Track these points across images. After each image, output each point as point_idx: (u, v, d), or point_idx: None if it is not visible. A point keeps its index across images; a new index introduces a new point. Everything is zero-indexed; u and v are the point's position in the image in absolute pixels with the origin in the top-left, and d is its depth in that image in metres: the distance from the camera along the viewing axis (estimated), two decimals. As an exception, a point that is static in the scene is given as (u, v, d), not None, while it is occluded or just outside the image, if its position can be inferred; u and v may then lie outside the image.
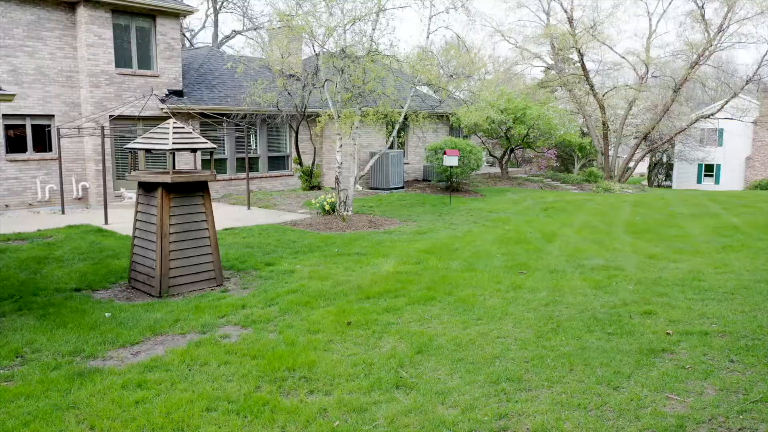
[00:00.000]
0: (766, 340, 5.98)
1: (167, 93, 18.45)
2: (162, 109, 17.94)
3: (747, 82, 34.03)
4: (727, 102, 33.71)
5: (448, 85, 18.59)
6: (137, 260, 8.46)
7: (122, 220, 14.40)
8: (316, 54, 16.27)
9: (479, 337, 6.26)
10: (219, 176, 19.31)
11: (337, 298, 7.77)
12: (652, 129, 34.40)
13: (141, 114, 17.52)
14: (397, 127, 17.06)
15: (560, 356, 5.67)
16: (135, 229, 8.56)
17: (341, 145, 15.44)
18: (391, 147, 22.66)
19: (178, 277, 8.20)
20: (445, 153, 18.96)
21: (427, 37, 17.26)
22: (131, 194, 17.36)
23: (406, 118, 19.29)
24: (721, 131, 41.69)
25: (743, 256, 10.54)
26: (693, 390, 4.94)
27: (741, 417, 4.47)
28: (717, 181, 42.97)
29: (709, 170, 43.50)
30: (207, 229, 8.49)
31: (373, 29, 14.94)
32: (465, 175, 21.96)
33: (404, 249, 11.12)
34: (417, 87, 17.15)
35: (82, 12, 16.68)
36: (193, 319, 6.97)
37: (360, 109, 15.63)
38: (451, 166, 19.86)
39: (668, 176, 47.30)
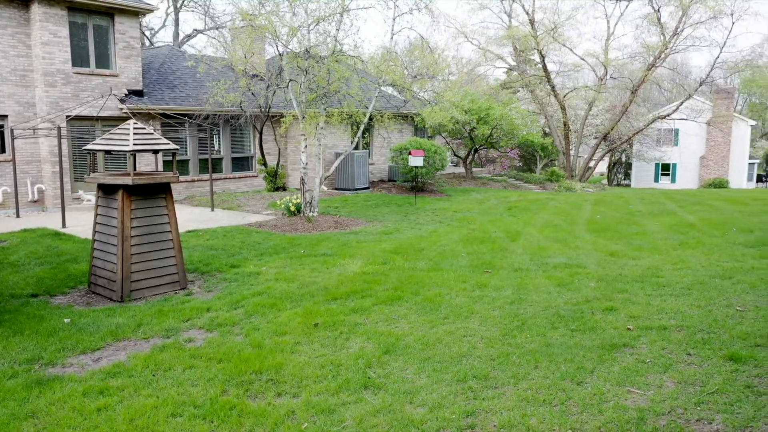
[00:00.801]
0: (721, 333, 6.19)
1: (127, 93, 18.06)
2: (122, 109, 17.55)
3: (701, 84, 35.15)
4: (682, 103, 34.76)
5: (413, 85, 18.68)
6: (97, 264, 8.26)
7: (81, 223, 14.04)
8: (280, 54, 16.16)
9: (446, 335, 6.31)
10: (181, 177, 18.99)
11: (303, 300, 7.73)
12: (612, 129, 35.22)
13: (99, 114, 17.11)
14: (362, 127, 17.06)
15: (525, 353, 5.76)
16: (95, 232, 8.35)
17: (306, 146, 15.36)
18: (356, 147, 22.65)
19: (141, 281, 8.04)
20: (410, 153, 19.05)
21: (392, 38, 17.34)
22: (90, 196, 16.94)
23: (371, 119, 19.30)
24: (676, 131, 42.95)
25: (699, 252, 10.88)
26: (653, 383, 5.08)
27: (698, 408, 4.62)
28: (673, 180, 44.25)
29: (666, 169, 44.76)
30: (170, 231, 8.35)
31: (337, 29, 14.92)
32: (430, 176, 22.11)
33: (370, 249, 11.13)
34: (382, 87, 17.18)
35: (37, 9, 16.20)
36: (156, 323, 6.84)
37: (325, 109, 15.58)
38: (416, 167, 19.96)
39: (627, 175, 48.49)
